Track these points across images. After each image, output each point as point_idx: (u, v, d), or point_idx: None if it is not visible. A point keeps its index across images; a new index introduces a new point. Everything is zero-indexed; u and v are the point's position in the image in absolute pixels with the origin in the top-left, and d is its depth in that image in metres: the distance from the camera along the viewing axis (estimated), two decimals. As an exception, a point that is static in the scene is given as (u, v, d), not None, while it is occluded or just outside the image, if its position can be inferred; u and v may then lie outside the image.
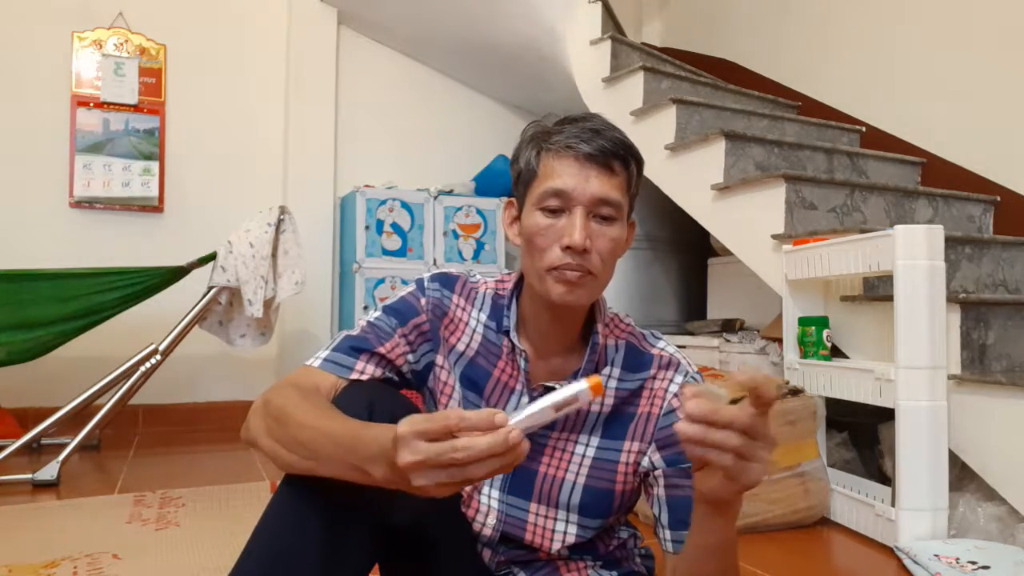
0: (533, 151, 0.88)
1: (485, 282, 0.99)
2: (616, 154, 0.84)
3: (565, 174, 0.84)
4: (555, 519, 0.92)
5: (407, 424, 0.63)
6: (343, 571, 0.80)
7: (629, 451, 0.91)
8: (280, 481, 0.82)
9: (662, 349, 0.95)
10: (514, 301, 0.94)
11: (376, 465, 0.66)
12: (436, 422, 0.62)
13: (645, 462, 0.91)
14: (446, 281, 0.98)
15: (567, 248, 0.83)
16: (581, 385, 0.65)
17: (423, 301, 0.96)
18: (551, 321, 0.91)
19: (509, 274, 0.99)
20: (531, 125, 0.91)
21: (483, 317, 0.96)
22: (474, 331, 0.96)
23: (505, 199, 0.96)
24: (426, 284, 0.97)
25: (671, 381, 0.92)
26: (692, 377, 0.93)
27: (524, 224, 0.88)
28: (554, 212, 0.85)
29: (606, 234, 0.85)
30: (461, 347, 0.95)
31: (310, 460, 0.75)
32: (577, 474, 0.92)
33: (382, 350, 0.91)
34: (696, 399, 0.64)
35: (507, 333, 0.92)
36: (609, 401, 0.92)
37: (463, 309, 0.97)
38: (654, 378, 0.93)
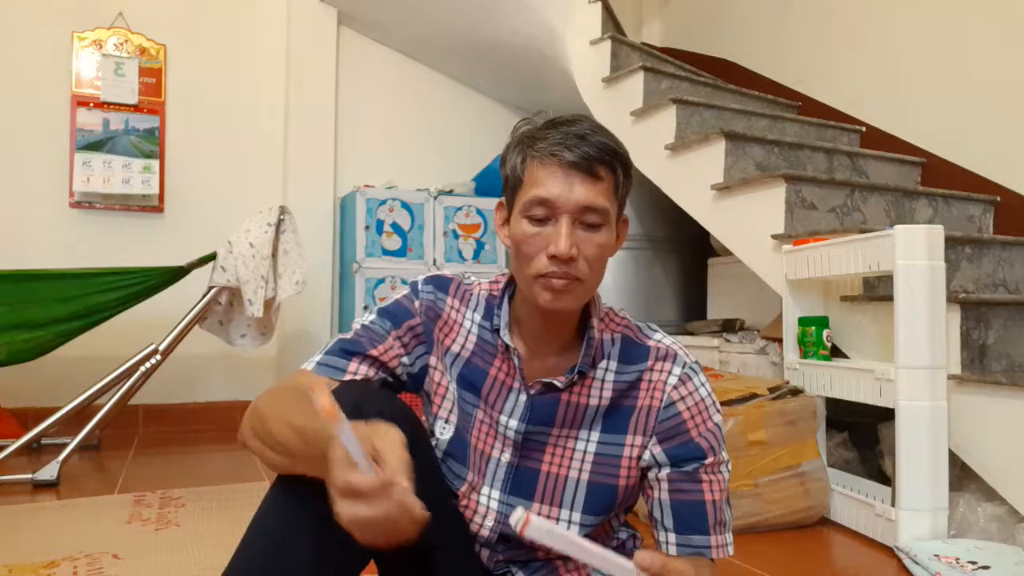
0: (519, 157, 0.87)
1: (479, 283, 0.99)
2: (601, 160, 0.83)
3: (550, 182, 0.83)
4: (557, 519, 0.91)
5: (336, 468, 0.64)
6: (335, 568, 0.80)
7: (632, 445, 0.91)
8: (273, 481, 0.83)
9: (659, 341, 0.94)
10: (505, 300, 0.94)
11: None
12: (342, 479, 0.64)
13: (647, 456, 0.91)
14: (440, 284, 0.98)
15: (553, 257, 0.83)
16: (628, 565, 0.64)
17: (416, 304, 0.96)
18: (544, 324, 0.91)
19: (505, 274, 0.99)
20: (521, 123, 0.90)
21: (477, 318, 0.96)
22: (469, 332, 0.96)
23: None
24: (420, 287, 0.97)
25: (670, 373, 0.91)
26: (690, 368, 0.92)
27: (512, 231, 0.88)
28: (540, 221, 0.84)
29: (593, 240, 0.84)
30: (456, 348, 0.95)
31: (287, 457, 0.77)
32: (580, 471, 0.91)
33: (375, 352, 0.92)
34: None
35: (498, 332, 0.92)
36: (607, 394, 0.91)
37: (457, 311, 0.97)
38: (651, 370, 0.92)
